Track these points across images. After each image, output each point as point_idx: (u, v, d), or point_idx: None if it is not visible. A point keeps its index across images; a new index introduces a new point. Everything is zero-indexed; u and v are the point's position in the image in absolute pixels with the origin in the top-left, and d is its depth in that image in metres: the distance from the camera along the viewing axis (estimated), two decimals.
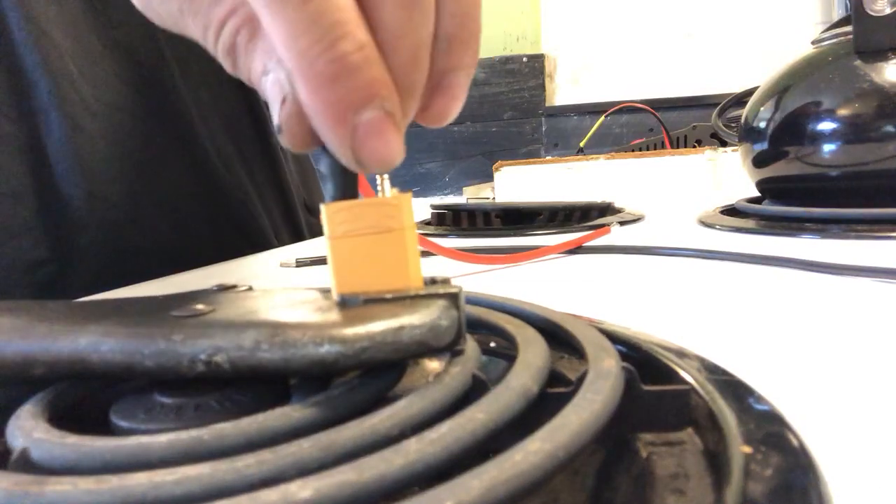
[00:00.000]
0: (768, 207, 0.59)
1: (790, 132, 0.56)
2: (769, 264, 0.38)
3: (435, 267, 0.45)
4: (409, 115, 0.18)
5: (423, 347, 0.15)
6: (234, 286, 0.23)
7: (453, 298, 0.16)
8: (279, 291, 0.22)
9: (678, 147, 1.18)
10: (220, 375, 0.15)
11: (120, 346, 0.15)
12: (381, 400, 0.15)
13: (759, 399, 0.17)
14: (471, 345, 0.17)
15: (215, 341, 0.15)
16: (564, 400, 0.13)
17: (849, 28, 0.53)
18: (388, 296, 0.17)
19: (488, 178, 1.11)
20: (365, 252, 0.18)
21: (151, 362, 0.15)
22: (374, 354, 0.14)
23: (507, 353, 0.19)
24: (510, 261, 0.44)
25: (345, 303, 0.17)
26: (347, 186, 0.19)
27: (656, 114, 1.30)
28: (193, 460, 0.12)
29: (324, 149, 0.19)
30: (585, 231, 0.56)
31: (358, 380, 0.15)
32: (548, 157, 1.41)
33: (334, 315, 0.16)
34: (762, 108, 0.59)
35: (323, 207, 0.18)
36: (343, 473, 0.11)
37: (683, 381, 0.16)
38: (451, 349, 0.16)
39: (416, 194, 1.67)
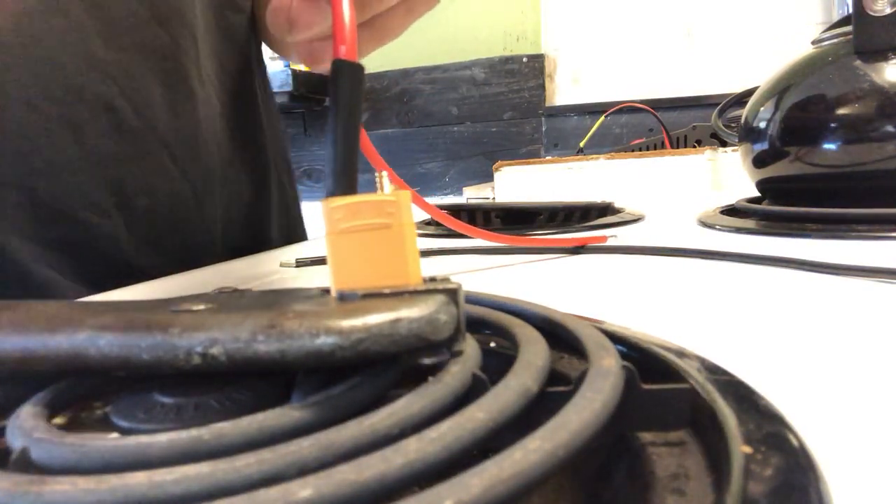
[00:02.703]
0: (768, 207, 0.59)
1: (790, 132, 0.56)
2: (769, 264, 0.38)
3: (436, 267, 0.45)
4: None
5: (421, 341, 0.15)
6: (234, 290, 0.23)
7: (452, 294, 0.16)
8: (278, 291, 0.22)
9: (678, 147, 1.18)
10: (216, 368, 0.14)
11: (117, 340, 0.15)
12: (381, 399, 0.15)
13: (759, 399, 0.17)
14: (471, 344, 0.17)
15: (211, 333, 0.15)
16: (564, 399, 0.13)
17: (849, 28, 0.53)
18: (387, 291, 0.17)
19: (488, 178, 1.11)
20: (364, 248, 0.18)
21: (148, 355, 0.15)
22: (371, 346, 0.14)
23: (507, 352, 0.19)
24: (516, 242, 0.46)
25: (343, 298, 0.17)
26: (347, 183, 0.19)
27: (656, 114, 1.30)
28: (193, 460, 0.12)
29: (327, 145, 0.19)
30: (585, 231, 0.56)
31: (358, 378, 0.15)
32: (548, 157, 1.41)
33: (331, 308, 0.16)
34: (762, 108, 0.59)
35: (322, 203, 0.18)
36: (343, 472, 0.11)
37: (683, 381, 0.16)
38: (449, 345, 0.16)
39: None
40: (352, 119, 0.20)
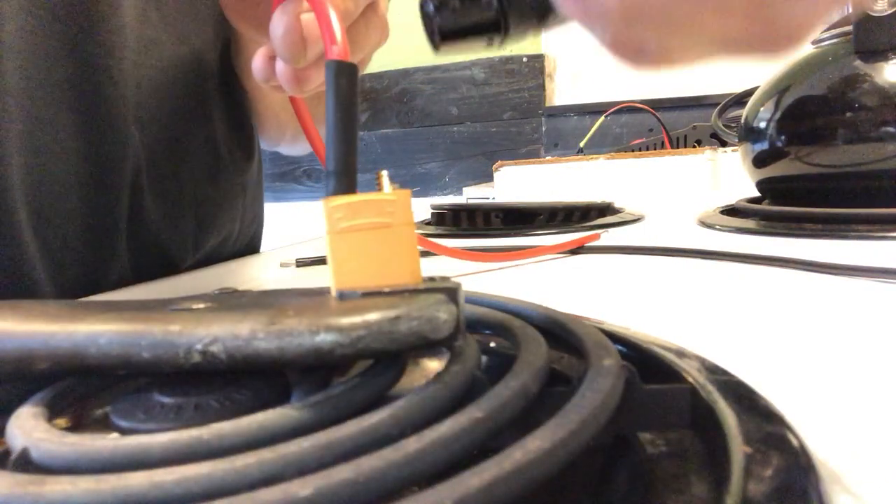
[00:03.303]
0: (768, 207, 0.59)
1: (790, 132, 0.56)
2: (769, 264, 0.38)
3: (435, 267, 0.45)
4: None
5: (421, 339, 0.15)
6: (234, 290, 0.23)
7: (452, 293, 0.16)
8: (278, 291, 0.22)
9: (678, 147, 1.18)
10: (216, 366, 0.14)
11: (118, 339, 0.15)
12: (381, 399, 0.15)
13: (759, 399, 0.17)
14: (471, 344, 0.17)
15: (211, 331, 0.15)
16: (564, 399, 0.13)
17: (849, 28, 0.53)
18: (387, 290, 0.17)
19: (488, 178, 1.11)
20: (364, 247, 0.18)
21: (148, 353, 0.15)
22: (371, 344, 0.14)
23: (507, 352, 0.19)
24: (499, 259, 0.45)
25: (343, 297, 0.17)
26: (347, 182, 0.19)
27: (656, 114, 1.30)
28: (193, 460, 0.12)
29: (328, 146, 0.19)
30: (585, 231, 0.56)
31: (358, 379, 0.15)
32: (548, 157, 1.41)
33: (331, 306, 0.16)
34: (762, 108, 0.59)
35: (322, 202, 0.18)
36: (343, 472, 0.11)
37: (683, 381, 0.16)
38: (449, 344, 0.16)
39: (416, 194, 1.66)
40: (349, 118, 0.20)
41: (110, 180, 0.41)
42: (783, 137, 0.56)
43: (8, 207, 0.36)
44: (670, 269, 0.40)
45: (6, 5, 0.34)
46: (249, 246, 0.61)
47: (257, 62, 0.31)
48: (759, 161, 0.59)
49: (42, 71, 0.37)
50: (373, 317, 0.14)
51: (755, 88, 0.63)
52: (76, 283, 0.41)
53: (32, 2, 0.36)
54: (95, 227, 0.41)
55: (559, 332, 0.19)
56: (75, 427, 0.16)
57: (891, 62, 0.51)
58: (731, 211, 0.63)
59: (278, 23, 0.28)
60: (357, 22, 0.31)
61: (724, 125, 0.73)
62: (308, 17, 0.28)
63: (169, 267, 0.48)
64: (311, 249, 0.57)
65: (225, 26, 0.49)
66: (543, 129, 1.67)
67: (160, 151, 0.45)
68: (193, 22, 0.46)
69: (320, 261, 0.50)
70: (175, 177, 0.47)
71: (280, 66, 0.30)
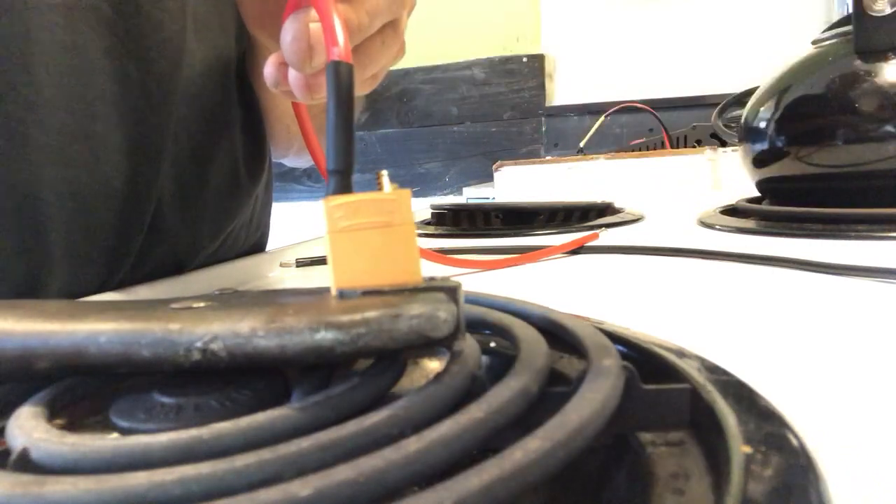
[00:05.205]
0: (768, 207, 0.59)
1: (790, 132, 0.56)
2: (769, 264, 0.38)
3: (434, 268, 0.45)
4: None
5: (421, 338, 0.15)
6: (234, 290, 0.23)
7: (452, 292, 0.16)
8: (278, 291, 0.22)
9: (678, 147, 1.18)
10: (216, 364, 0.14)
11: (118, 337, 0.15)
12: (381, 399, 0.15)
13: (759, 399, 0.17)
14: (471, 344, 0.17)
15: (212, 329, 0.15)
16: (564, 399, 0.13)
17: (849, 28, 0.53)
18: (387, 289, 0.17)
19: (488, 178, 1.11)
20: (364, 247, 0.18)
21: (148, 352, 0.15)
22: (371, 342, 0.14)
23: (507, 352, 0.19)
24: (497, 266, 0.45)
25: (343, 296, 0.17)
26: (346, 181, 0.19)
27: (656, 114, 1.30)
28: (193, 460, 0.12)
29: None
30: (585, 231, 0.56)
31: (358, 378, 0.15)
32: (548, 157, 1.41)
33: (331, 304, 0.16)
34: (762, 108, 0.59)
35: (322, 202, 0.18)
36: (343, 472, 0.11)
37: (683, 381, 0.16)
38: (449, 343, 0.16)
39: (416, 194, 1.66)
40: (349, 118, 0.20)
41: (141, 196, 0.41)
42: (783, 137, 0.56)
43: (38, 219, 0.36)
44: (670, 269, 0.40)
45: (36, 21, 0.34)
46: (254, 249, 0.61)
47: (268, 67, 0.32)
48: (759, 161, 0.59)
49: (81, 85, 0.37)
50: (373, 314, 0.14)
51: (755, 88, 0.63)
52: (87, 289, 0.41)
53: (71, 17, 0.36)
54: (119, 241, 0.41)
55: (559, 332, 0.19)
56: (75, 427, 0.16)
57: (891, 62, 0.51)
58: (731, 211, 0.63)
59: (288, 29, 0.28)
60: (374, 38, 0.31)
61: (724, 125, 0.73)
62: (318, 27, 0.28)
63: (174, 269, 0.48)
64: (311, 249, 0.57)
65: (241, 35, 0.49)
66: (543, 129, 1.67)
67: (187, 163, 0.45)
68: (220, 29, 0.46)
69: (320, 261, 0.50)
70: (199, 188, 0.47)
71: (292, 72, 0.30)
